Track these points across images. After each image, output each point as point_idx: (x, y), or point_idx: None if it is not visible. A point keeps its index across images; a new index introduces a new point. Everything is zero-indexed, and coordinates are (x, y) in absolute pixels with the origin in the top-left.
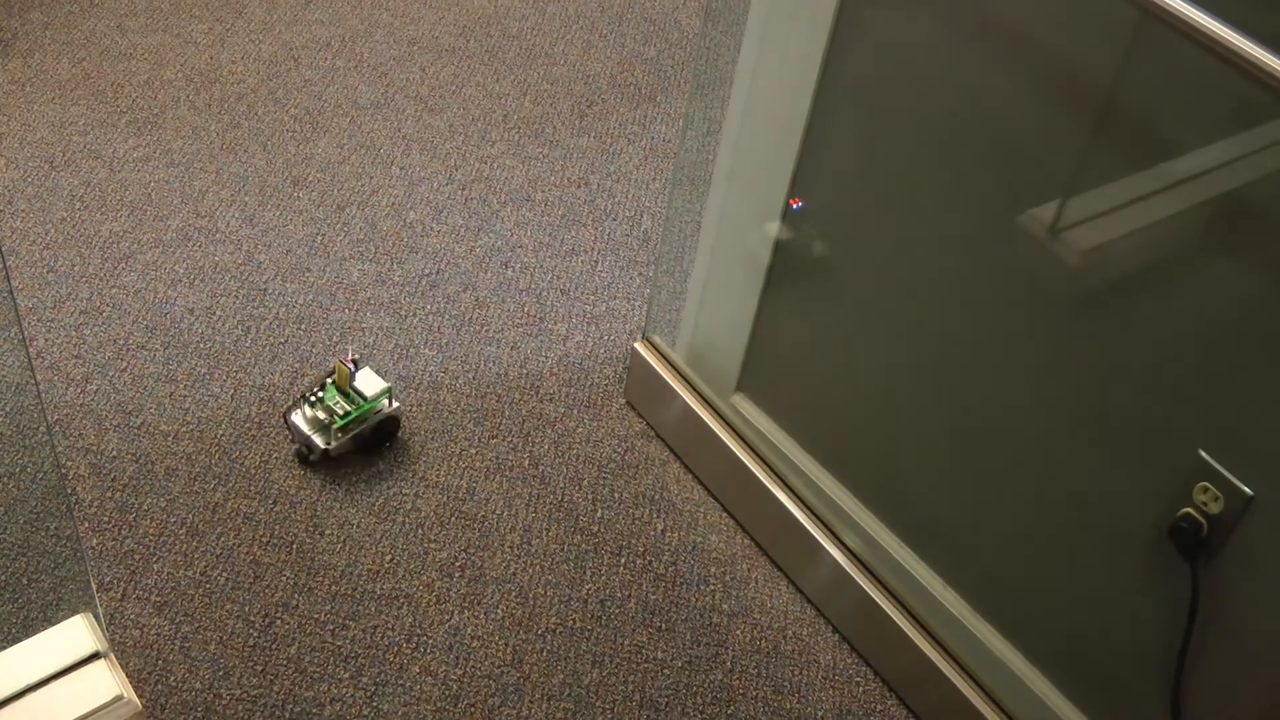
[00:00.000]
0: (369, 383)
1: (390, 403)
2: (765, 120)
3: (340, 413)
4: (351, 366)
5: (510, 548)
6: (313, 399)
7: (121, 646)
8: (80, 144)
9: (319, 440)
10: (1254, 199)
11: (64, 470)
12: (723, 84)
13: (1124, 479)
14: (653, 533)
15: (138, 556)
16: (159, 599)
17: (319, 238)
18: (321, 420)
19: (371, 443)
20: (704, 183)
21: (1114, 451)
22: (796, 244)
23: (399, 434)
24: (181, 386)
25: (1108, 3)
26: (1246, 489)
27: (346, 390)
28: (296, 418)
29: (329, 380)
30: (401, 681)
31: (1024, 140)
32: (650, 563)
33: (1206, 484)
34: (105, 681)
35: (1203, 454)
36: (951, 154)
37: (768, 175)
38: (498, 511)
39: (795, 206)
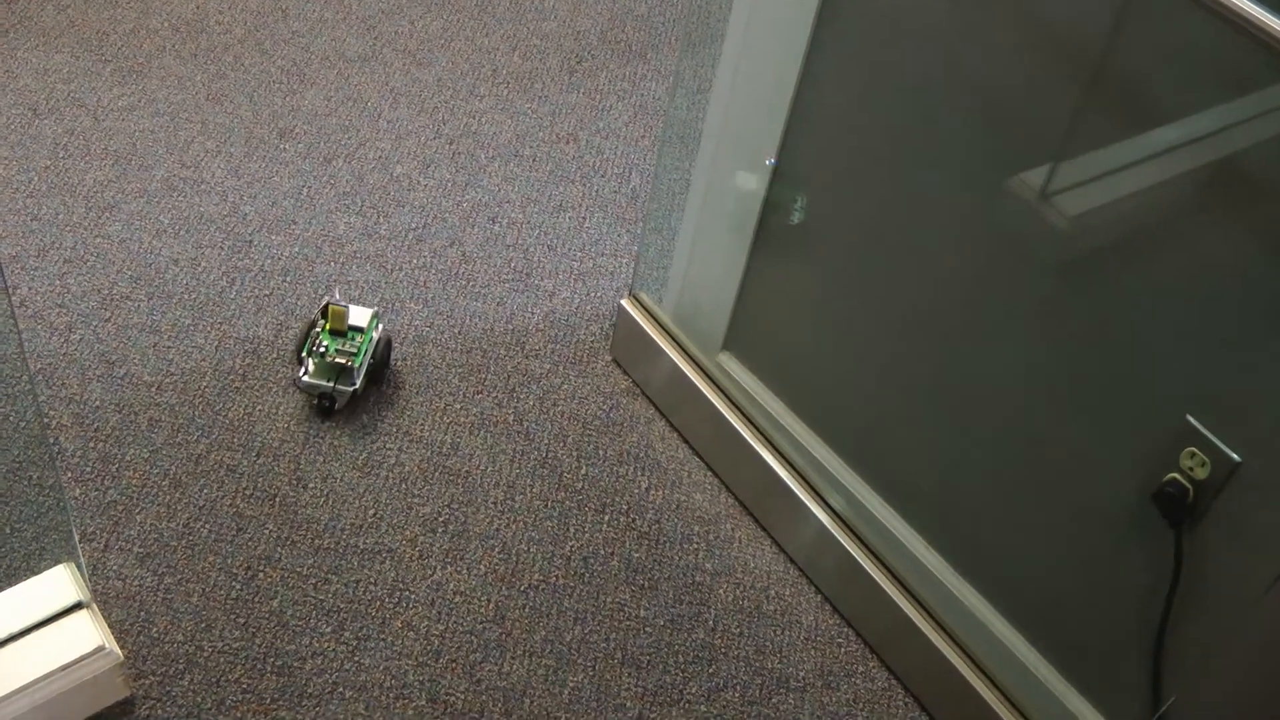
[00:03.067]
0: (358, 315)
1: (380, 326)
2: (755, 78)
3: (353, 350)
4: (345, 305)
5: (494, 504)
6: (318, 351)
7: (104, 597)
8: (64, 92)
9: (343, 385)
10: (1244, 165)
11: (47, 420)
12: (714, 41)
13: (1110, 443)
14: (637, 490)
15: (120, 507)
16: (141, 550)
17: (305, 190)
18: (340, 365)
19: (379, 369)
20: (693, 141)
21: (1100, 415)
22: (785, 203)
23: (392, 355)
24: (165, 337)
25: None
26: (1234, 454)
27: (343, 330)
28: (308, 376)
29: (318, 329)
30: (383, 636)
31: (1015, 103)
32: (634, 520)
33: (1193, 449)
34: (87, 632)
35: (1190, 419)
36: (942, 116)
37: (757, 134)
38: (481, 467)
39: (770, 162)
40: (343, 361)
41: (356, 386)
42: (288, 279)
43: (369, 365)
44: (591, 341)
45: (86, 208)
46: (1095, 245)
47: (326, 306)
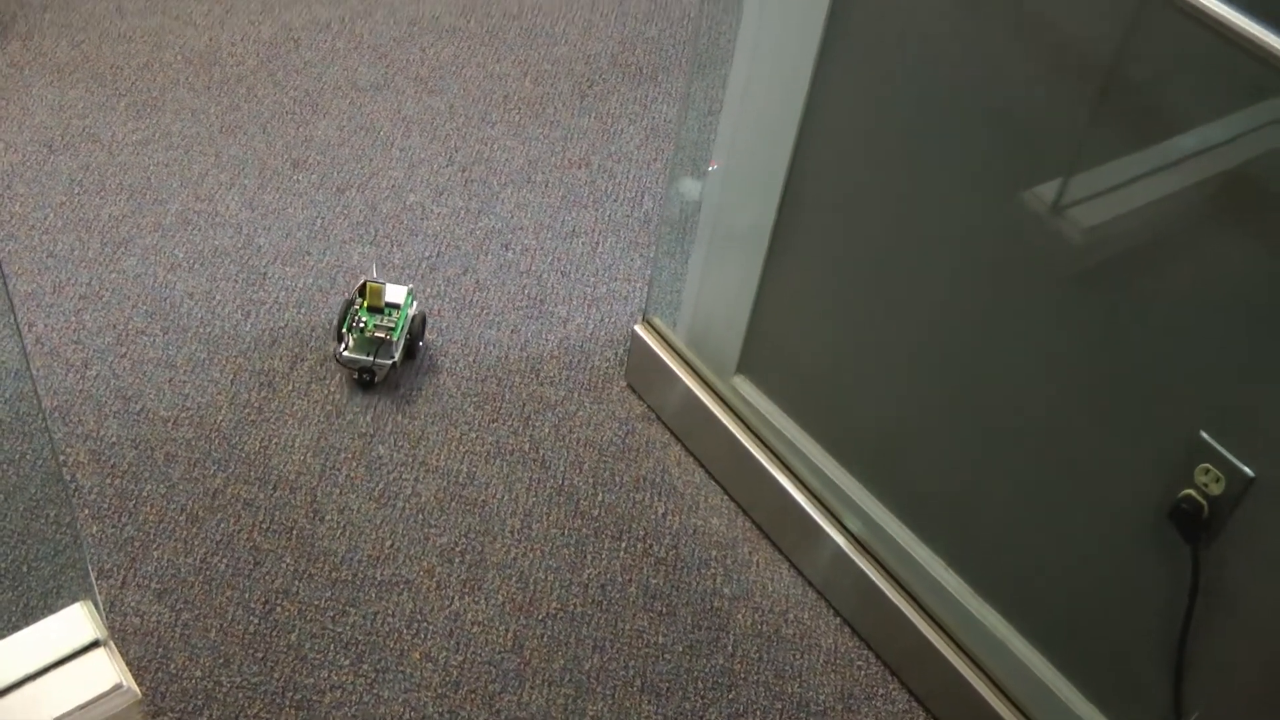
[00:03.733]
0: (394, 293)
1: (414, 303)
2: (764, 99)
3: (391, 325)
4: (382, 283)
5: (511, 532)
6: (357, 327)
7: (121, 634)
8: (79, 127)
9: (382, 359)
10: (1257, 176)
11: (63, 457)
12: (723, 62)
13: (1125, 460)
14: (654, 516)
15: (137, 543)
16: (159, 586)
17: (319, 221)
18: (379, 339)
19: (414, 344)
20: (705, 162)
21: (1115, 433)
22: (796, 224)
23: (426, 330)
24: (181, 371)
25: None
26: (1248, 470)
27: (380, 307)
28: (349, 351)
29: (355, 307)
30: (402, 668)
31: (1027, 116)
32: (651, 546)
33: (1208, 465)
34: (105, 669)
35: (1204, 435)
36: (953, 132)
37: (768, 154)
38: (498, 496)
39: (711, 169)
40: (381, 335)
41: (395, 359)
42: (302, 311)
43: (405, 340)
44: (606, 367)
45: (102, 243)
46: (1108, 258)
47: (364, 285)
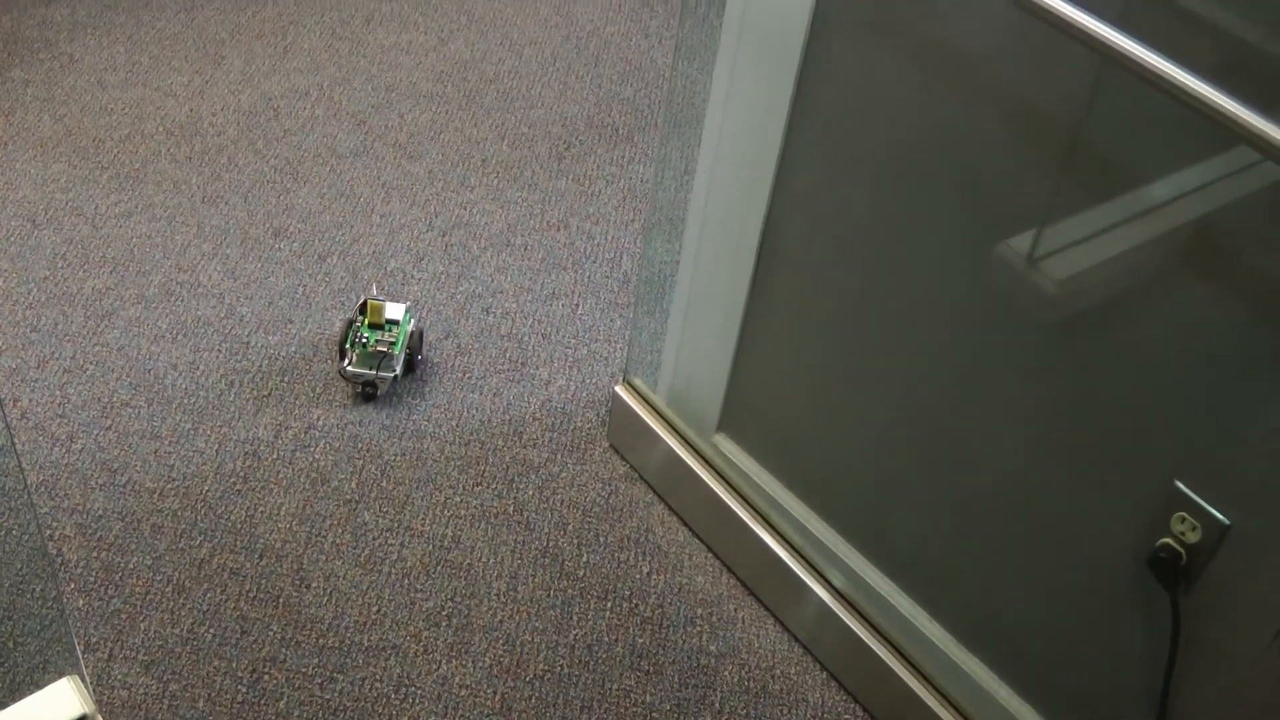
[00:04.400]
0: (393, 310)
1: (412, 320)
2: (737, 158)
3: (392, 340)
4: (383, 300)
5: (497, 595)
6: (360, 342)
7: (110, 707)
8: (62, 201)
9: (384, 372)
10: (1222, 227)
11: (49, 531)
12: (697, 122)
13: (1103, 510)
14: (638, 575)
15: (124, 615)
16: (146, 658)
17: (300, 289)
18: (382, 353)
19: (412, 358)
20: (680, 222)
21: (1093, 483)
22: (773, 282)
23: (423, 346)
24: (166, 443)
25: (1067, 47)
26: (1223, 518)
27: (380, 323)
28: (353, 366)
29: (357, 324)
30: None
31: (996, 171)
32: (637, 605)
33: (1184, 514)
34: None
35: (1179, 484)
36: (924, 188)
37: (742, 212)
38: (484, 559)
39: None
40: (383, 349)
41: (396, 372)
42: (285, 379)
43: (404, 355)
44: (589, 428)
45: (85, 316)
46: (1080, 311)
47: (365, 303)
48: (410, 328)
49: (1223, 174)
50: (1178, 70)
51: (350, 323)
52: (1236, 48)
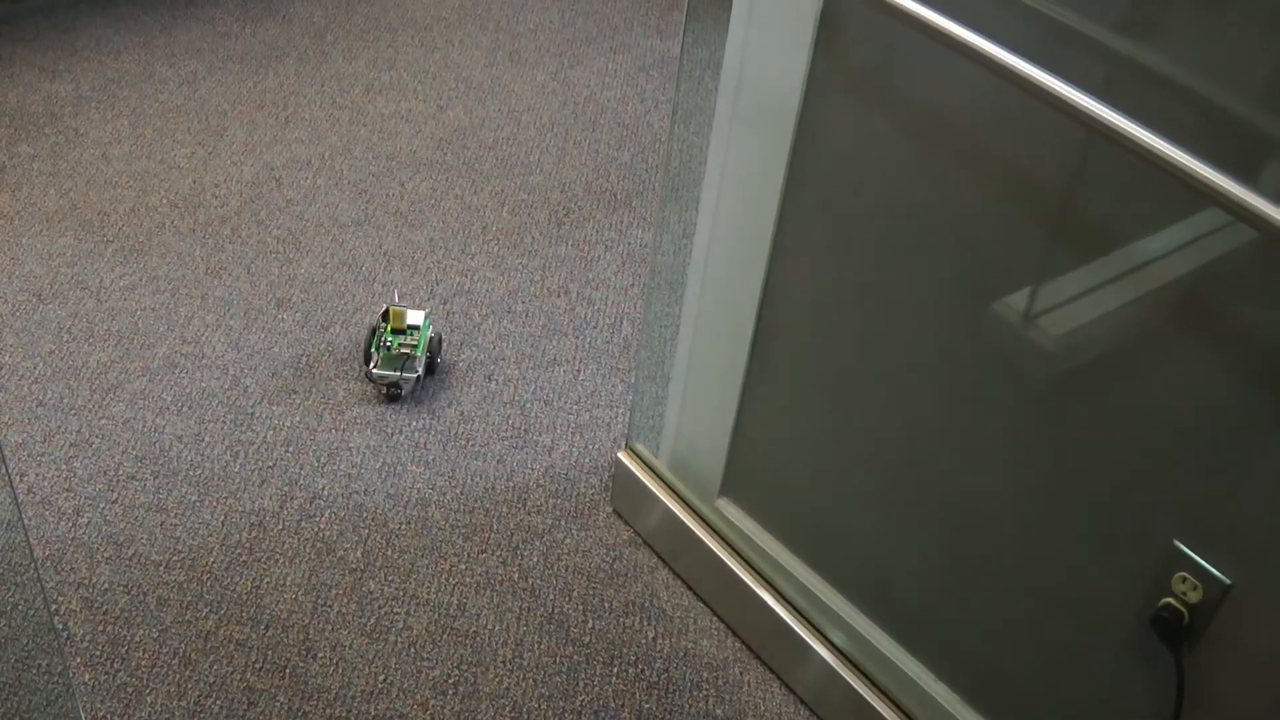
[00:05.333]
0: (413, 316)
1: (431, 325)
2: (735, 222)
3: (414, 343)
4: (404, 307)
5: (503, 662)
6: (385, 346)
7: None
8: (68, 275)
9: (407, 373)
10: (1216, 282)
11: (56, 606)
12: (694, 186)
13: (1104, 569)
14: (644, 640)
15: (130, 689)
16: None
17: (304, 359)
18: (405, 355)
19: (432, 361)
20: (680, 287)
21: (1094, 542)
22: (773, 346)
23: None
24: (172, 515)
25: (1053, 117)
26: (1224, 578)
27: (403, 328)
28: (379, 368)
29: (379, 329)
30: None
31: (989, 233)
32: (643, 671)
33: (1184, 574)
34: None
35: (1178, 544)
36: (920, 250)
37: (741, 276)
38: (489, 626)
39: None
40: (406, 351)
41: (419, 373)
42: (290, 449)
43: (425, 358)
44: (592, 494)
45: (91, 390)
46: (1080, 367)
47: (387, 310)
48: (430, 334)
49: (1212, 228)
50: (1153, 137)
51: (374, 330)
52: (1213, 113)
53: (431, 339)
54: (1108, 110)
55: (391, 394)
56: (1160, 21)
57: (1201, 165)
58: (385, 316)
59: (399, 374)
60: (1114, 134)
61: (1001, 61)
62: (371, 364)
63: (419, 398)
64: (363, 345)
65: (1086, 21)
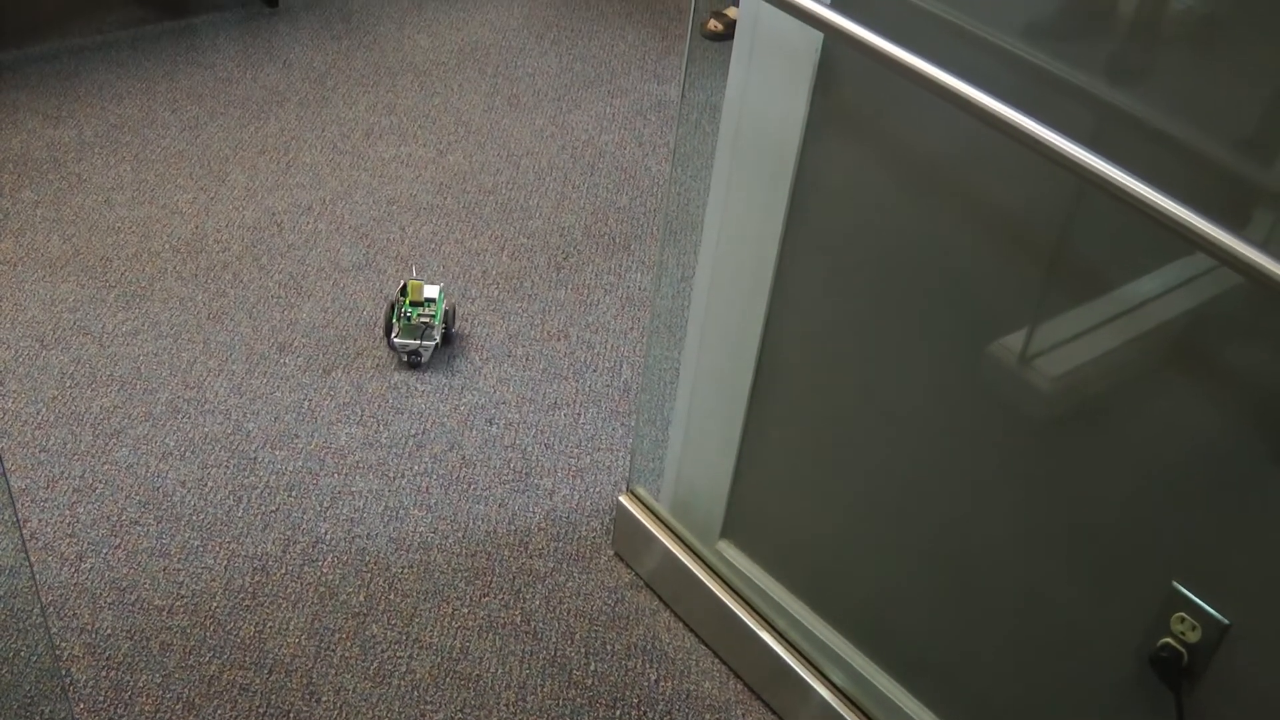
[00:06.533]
0: (429, 290)
1: (445, 299)
2: (735, 265)
3: (432, 313)
4: (422, 280)
5: (506, 705)
6: (405, 318)
7: None
8: (70, 321)
9: (426, 341)
10: (1209, 324)
11: (59, 651)
12: (694, 229)
13: (1103, 609)
14: (646, 683)
15: None
16: None
17: (306, 403)
18: (424, 324)
19: (448, 333)
20: (680, 330)
21: (1093, 582)
22: (773, 389)
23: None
24: (175, 560)
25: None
26: (1222, 618)
27: (420, 301)
28: (400, 338)
29: (399, 302)
30: None
31: (986, 276)
32: (645, 713)
33: (1183, 614)
34: None
35: (1177, 585)
36: (919, 293)
37: (741, 319)
38: (492, 670)
39: None
40: (425, 321)
41: (437, 340)
42: (293, 494)
43: (442, 329)
44: (593, 537)
45: (94, 435)
46: (1077, 407)
47: (405, 285)
48: (445, 306)
49: (1205, 270)
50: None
51: (393, 304)
52: (1201, 162)
53: (446, 311)
54: (1095, 158)
55: (413, 361)
56: (1149, 71)
57: (1189, 213)
58: (403, 291)
59: (419, 342)
60: (1101, 182)
61: (990, 110)
62: (393, 334)
63: (420, 441)
64: (383, 319)
65: (1077, 72)
